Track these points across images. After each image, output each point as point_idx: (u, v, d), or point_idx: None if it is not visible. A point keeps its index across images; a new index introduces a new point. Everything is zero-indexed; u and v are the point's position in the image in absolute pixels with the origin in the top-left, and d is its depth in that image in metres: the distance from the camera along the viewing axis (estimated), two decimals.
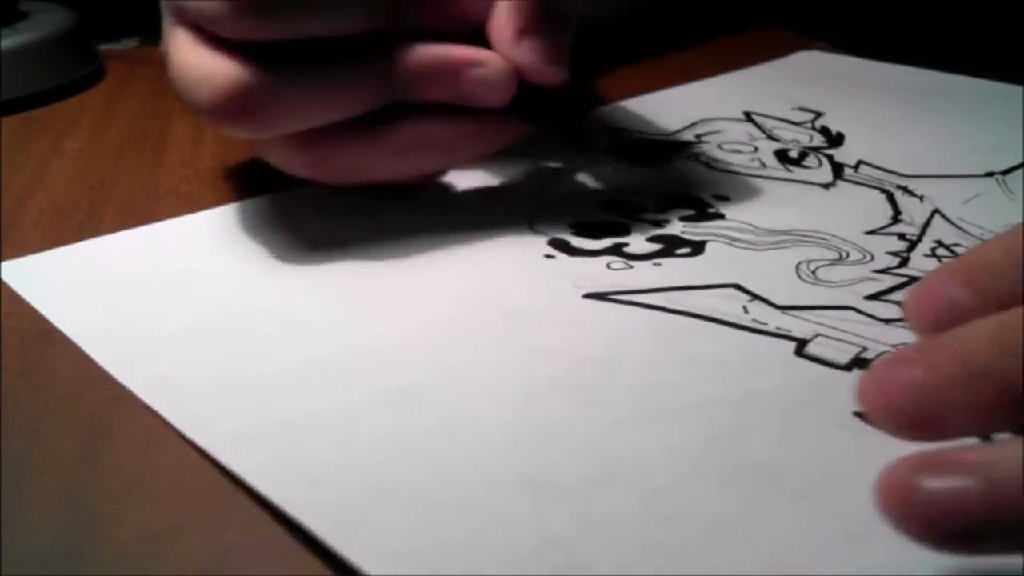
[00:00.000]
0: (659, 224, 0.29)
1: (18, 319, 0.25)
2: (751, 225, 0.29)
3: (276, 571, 0.17)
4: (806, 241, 0.28)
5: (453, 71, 0.25)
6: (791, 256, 0.27)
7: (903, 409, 0.14)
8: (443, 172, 0.30)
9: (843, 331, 0.24)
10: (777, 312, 0.24)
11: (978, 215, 0.30)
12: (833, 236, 0.28)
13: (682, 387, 0.21)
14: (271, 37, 0.24)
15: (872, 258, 0.27)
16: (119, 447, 0.20)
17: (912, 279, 0.26)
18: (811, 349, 0.23)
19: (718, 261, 0.27)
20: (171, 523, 0.18)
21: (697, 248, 0.27)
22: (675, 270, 0.26)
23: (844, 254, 0.27)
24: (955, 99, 0.40)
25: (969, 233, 0.29)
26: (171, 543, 0.18)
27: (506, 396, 0.21)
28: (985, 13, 0.49)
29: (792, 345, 0.23)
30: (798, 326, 0.24)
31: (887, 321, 0.24)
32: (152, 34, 0.55)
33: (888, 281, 0.26)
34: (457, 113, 0.26)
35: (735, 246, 0.28)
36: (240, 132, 0.25)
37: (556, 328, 0.23)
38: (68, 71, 0.45)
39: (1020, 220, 0.24)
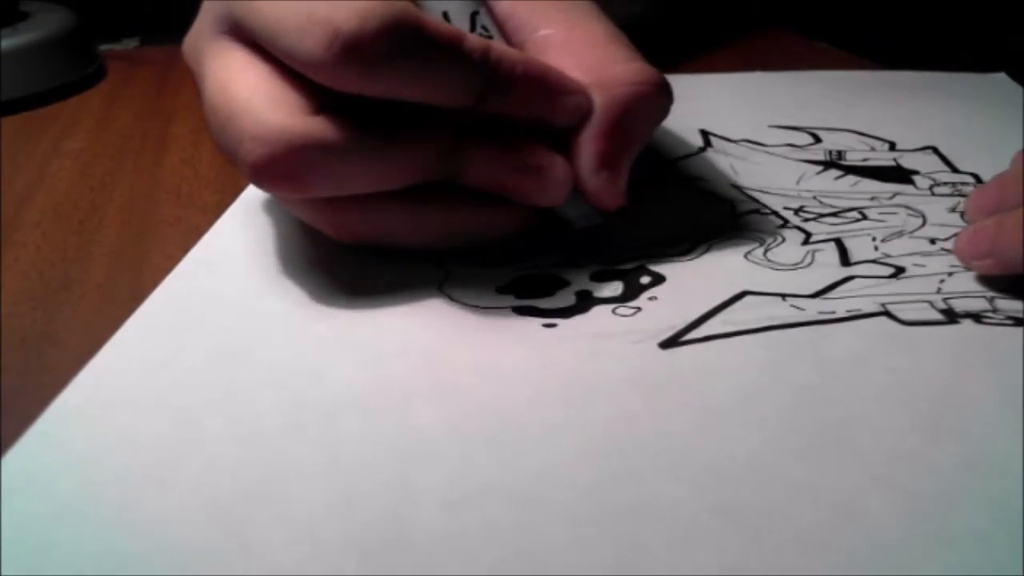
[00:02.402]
0: (572, 264, 0.26)
1: (18, 319, 0.25)
2: (649, 238, 0.28)
3: None
4: (714, 237, 0.28)
5: (525, 168, 0.24)
6: (728, 255, 0.27)
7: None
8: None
9: (887, 295, 0.24)
10: (816, 300, 0.24)
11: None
12: (721, 227, 0.28)
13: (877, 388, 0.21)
14: (368, 93, 0.22)
15: (783, 239, 0.28)
16: None
17: (808, 235, 0.28)
18: (904, 316, 0.23)
19: (689, 279, 0.26)
20: None
21: (650, 273, 0.26)
22: (677, 297, 0.25)
23: (761, 240, 0.28)
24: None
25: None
26: None
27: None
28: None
29: (883, 320, 0.23)
30: (845, 305, 0.24)
31: (893, 276, 0.25)
32: (152, 34, 0.55)
33: (829, 249, 0.27)
34: (486, 198, 0.25)
35: (672, 262, 0.26)
36: (279, 190, 0.23)
37: (680, 390, 0.21)
38: (68, 71, 0.45)
39: None
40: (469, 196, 0.25)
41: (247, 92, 0.23)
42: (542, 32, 0.26)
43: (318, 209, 0.24)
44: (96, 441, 0.20)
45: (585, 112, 0.24)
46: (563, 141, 0.25)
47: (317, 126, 0.22)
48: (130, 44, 0.54)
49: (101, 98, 0.44)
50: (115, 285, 0.27)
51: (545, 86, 0.24)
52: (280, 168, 0.22)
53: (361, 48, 0.21)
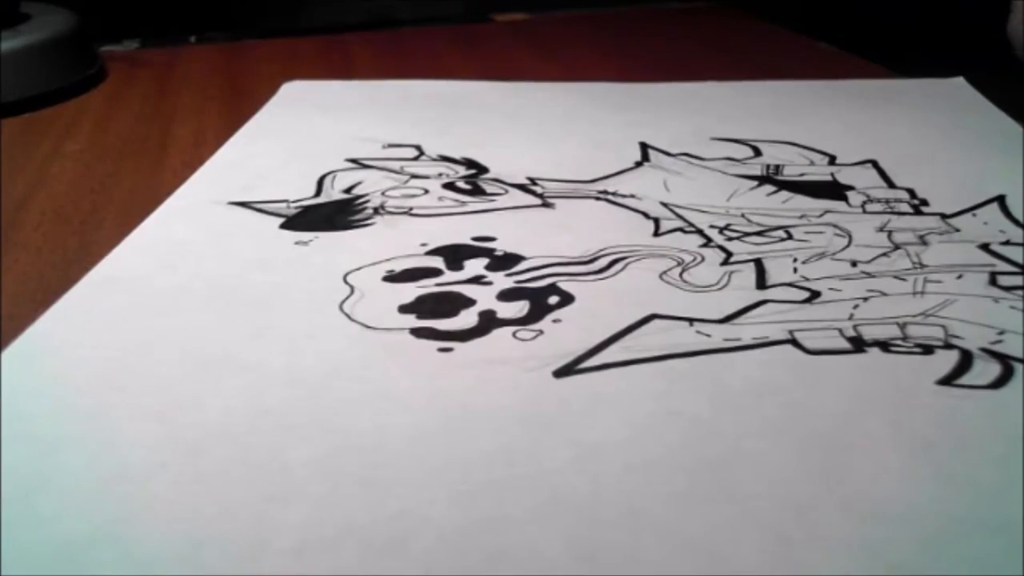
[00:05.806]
0: (481, 281, 0.26)
1: (18, 320, 0.25)
2: (559, 257, 0.27)
3: None
4: (633, 256, 0.27)
5: None
6: (643, 275, 0.26)
7: None
8: None
9: (797, 321, 0.24)
10: (723, 326, 0.24)
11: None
12: (643, 245, 0.28)
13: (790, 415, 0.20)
14: None
15: (702, 258, 0.27)
16: None
17: (730, 256, 0.27)
18: (810, 344, 0.23)
19: (599, 300, 0.25)
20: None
21: (559, 293, 0.25)
22: (582, 320, 0.24)
23: (679, 259, 0.27)
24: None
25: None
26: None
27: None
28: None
29: (788, 348, 0.22)
30: (752, 332, 0.23)
31: (807, 300, 0.25)
32: (153, 36, 0.55)
33: (747, 269, 0.26)
34: None
35: (585, 281, 0.26)
36: None
37: (565, 424, 0.20)
38: (69, 73, 0.45)
39: None
40: None
41: None
42: None
43: None
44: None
45: None
46: None
47: None
48: (131, 46, 0.54)
49: (102, 100, 0.45)
50: None
51: None
52: None
53: None
